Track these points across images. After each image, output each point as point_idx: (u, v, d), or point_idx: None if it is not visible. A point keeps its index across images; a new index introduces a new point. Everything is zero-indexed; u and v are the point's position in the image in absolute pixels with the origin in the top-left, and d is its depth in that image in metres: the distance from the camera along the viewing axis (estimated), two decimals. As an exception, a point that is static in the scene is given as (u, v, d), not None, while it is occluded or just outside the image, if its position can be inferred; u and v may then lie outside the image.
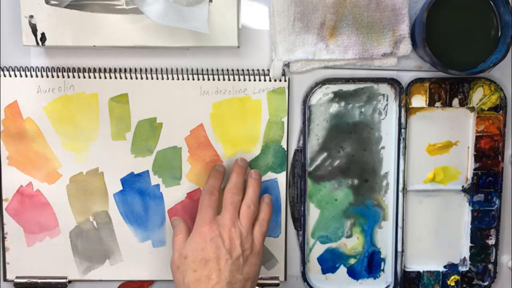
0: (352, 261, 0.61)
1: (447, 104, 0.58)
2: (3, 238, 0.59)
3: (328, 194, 0.60)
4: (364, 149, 0.59)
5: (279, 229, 0.60)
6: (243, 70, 0.58)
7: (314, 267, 0.61)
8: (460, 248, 0.62)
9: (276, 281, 0.61)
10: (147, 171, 0.59)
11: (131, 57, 0.58)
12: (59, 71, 0.57)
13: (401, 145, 0.59)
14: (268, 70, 0.58)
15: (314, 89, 0.58)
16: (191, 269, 0.50)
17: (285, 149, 0.59)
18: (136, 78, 0.57)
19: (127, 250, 0.60)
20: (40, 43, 0.53)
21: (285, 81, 0.58)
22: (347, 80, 0.58)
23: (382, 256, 0.61)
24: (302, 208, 0.60)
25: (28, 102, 0.57)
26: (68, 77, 0.57)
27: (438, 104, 0.58)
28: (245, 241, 0.52)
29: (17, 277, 0.60)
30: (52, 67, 0.57)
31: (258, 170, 0.59)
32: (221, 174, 0.56)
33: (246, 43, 0.58)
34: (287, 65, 0.58)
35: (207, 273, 0.50)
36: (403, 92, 0.58)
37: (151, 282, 0.61)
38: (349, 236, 0.61)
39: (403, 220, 0.60)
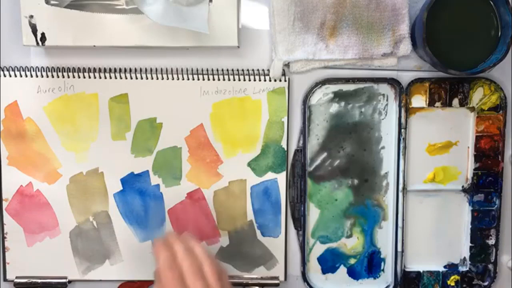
0: (352, 261, 0.61)
1: (447, 104, 0.58)
2: (3, 238, 0.59)
3: (328, 194, 0.60)
4: (364, 149, 0.59)
5: (279, 229, 0.60)
6: (243, 70, 0.58)
7: (314, 267, 0.61)
8: (460, 248, 0.62)
9: (276, 281, 0.61)
10: (147, 171, 0.59)
11: (131, 57, 0.58)
12: (59, 71, 0.57)
13: (401, 145, 0.59)
14: (268, 70, 0.58)
15: (314, 89, 0.58)
16: None
17: (285, 149, 0.59)
18: (136, 78, 0.57)
19: (127, 250, 0.60)
20: (40, 43, 0.53)
21: (285, 81, 0.58)
22: (347, 80, 0.58)
23: (382, 256, 0.61)
24: (302, 208, 0.60)
25: (28, 102, 0.57)
26: (68, 77, 0.57)
27: (438, 104, 0.58)
28: None
29: (17, 277, 0.60)
30: (52, 67, 0.57)
31: (258, 170, 0.59)
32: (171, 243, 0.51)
33: (246, 43, 0.58)
34: (287, 65, 0.58)
35: None
36: (403, 92, 0.58)
37: (151, 282, 0.61)
38: (349, 236, 0.61)
39: (403, 220, 0.60)
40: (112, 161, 0.59)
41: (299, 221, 0.60)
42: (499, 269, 0.61)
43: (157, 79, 0.57)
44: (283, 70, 0.57)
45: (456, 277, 0.61)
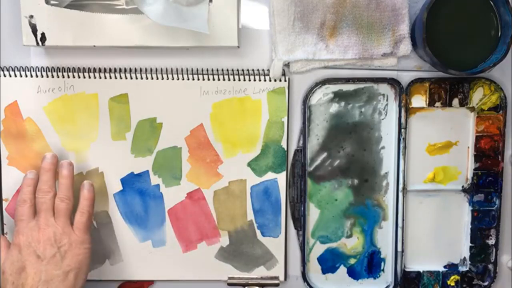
0: (352, 261, 0.61)
1: (447, 104, 0.58)
2: (3, 238, 0.59)
3: (328, 194, 0.60)
4: (364, 149, 0.59)
5: (279, 229, 0.60)
6: (243, 70, 0.58)
7: (314, 267, 0.61)
8: (460, 248, 0.62)
9: (276, 281, 0.61)
10: (147, 171, 0.59)
11: (131, 57, 0.58)
12: (59, 71, 0.57)
13: (401, 145, 0.59)
14: (268, 70, 0.58)
15: (314, 89, 0.58)
16: (9, 283, 0.52)
17: (285, 149, 0.59)
18: (136, 78, 0.57)
19: (127, 250, 0.60)
20: (40, 43, 0.53)
21: (285, 81, 0.58)
22: (347, 80, 0.58)
23: (382, 256, 0.61)
24: (302, 208, 0.60)
25: (28, 102, 0.57)
26: (68, 77, 0.57)
27: (438, 104, 0.58)
28: (61, 237, 0.53)
29: (17, 277, 0.60)
30: (52, 67, 0.57)
31: (258, 170, 0.59)
32: (31, 180, 0.56)
33: (246, 43, 0.58)
34: (287, 65, 0.58)
35: (23, 280, 0.52)
36: (403, 92, 0.58)
37: (151, 282, 0.61)
38: (349, 236, 0.61)
39: (403, 220, 0.60)
40: (112, 161, 0.59)
41: (299, 221, 0.60)
42: (499, 269, 0.61)
43: (157, 79, 0.57)
44: (283, 70, 0.57)
45: (456, 277, 0.61)
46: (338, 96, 0.59)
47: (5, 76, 0.57)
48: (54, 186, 0.56)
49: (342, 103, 0.59)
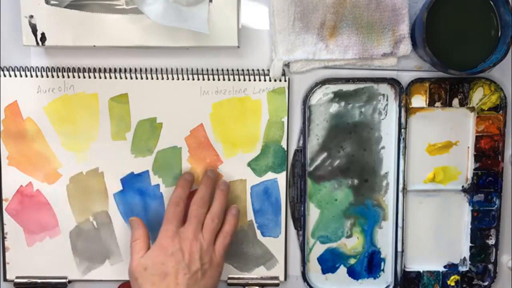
0: (352, 261, 0.61)
1: (447, 104, 0.58)
2: (3, 238, 0.59)
3: (328, 194, 0.60)
4: (364, 149, 0.59)
5: (279, 229, 0.60)
6: (243, 70, 0.58)
7: (314, 267, 0.61)
8: (460, 248, 0.62)
9: (276, 281, 0.61)
10: (147, 171, 0.59)
11: (131, 57, 0.58)
12: (59, 71, 0.57)
13: (401, 145, 0.59)
14: (268, 70, 0.58)
15: (314, 89, 0.58)
16: (150, 282, 0.51)
17: (285, 149, 0.59)
18: (136, 78, 0.57)
19: (127, 250, 0.60)
20: (40, 43, 0.53)
21: (285, 81, 0.58)
22: (347, 80, 0.58)
23: (382, 256, 0.61)
24: (302, 208, 0.60)
25: (28, 102, 0.57)
26: (68, 77, 0.57)
27: (438, 104, 0.58)
28: (205, 254, 0.53)
29: (17, 277, 0.60)
30: (52, 67, 0.57)
31: (258, 170, 0.59)
32: (189, 183, 0.57)
33: (246, 43, 0.58)
34: (287, 65, 0.58)
35: (165, 287, 0.51)
36: (403, 92, 0.58)
37: (151, 282, 0.61)
38: (349, 236, 0.61)
39: (403, 220, 0.60)
40: (112, 161, 0.59)
41: (299, 221, 0.60)
42: (499, 269, 0.61)
43: (157, 79, 0.57)
44: (283, 70, 0.57)
45: (456, 277, 0.61)
46: (338, 96, 0.59)
47: (5, 76, 0.57)
48: (209, 202, 0.56)
49: (342, 103, 0.59)
